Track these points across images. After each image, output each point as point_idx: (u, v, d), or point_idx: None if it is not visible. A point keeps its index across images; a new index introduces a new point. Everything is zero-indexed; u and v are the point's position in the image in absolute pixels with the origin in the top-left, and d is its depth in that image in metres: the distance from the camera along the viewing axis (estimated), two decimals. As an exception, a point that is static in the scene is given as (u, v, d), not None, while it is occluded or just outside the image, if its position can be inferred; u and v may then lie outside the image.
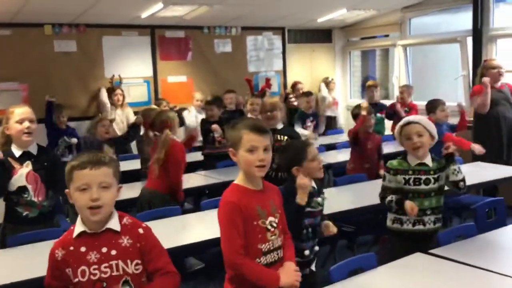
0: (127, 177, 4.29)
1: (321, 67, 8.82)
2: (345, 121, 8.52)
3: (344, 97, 9.06)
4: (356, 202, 3.85)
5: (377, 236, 4.38)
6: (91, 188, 1.93)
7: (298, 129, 5.95)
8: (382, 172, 4.41)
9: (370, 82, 7.20)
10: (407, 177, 3.03)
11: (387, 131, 6.60)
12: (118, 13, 6.46)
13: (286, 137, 4.19)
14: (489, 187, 5.04)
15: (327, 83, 8.36)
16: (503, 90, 5.47)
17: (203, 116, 6.12)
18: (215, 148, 5.49)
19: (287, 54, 8.49)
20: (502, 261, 2.69)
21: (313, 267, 2.80)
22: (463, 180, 3.07)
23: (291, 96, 7.47)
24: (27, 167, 3.25)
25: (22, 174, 3.24)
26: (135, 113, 6.33)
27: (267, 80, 7.02)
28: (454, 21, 7.92)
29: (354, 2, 7.11)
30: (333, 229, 2.76)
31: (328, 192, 4.16)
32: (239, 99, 6.46)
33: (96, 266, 1.95)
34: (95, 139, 4.93)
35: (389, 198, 3.05)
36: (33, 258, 2.84)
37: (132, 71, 7.15)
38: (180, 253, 3.22)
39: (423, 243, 2.91)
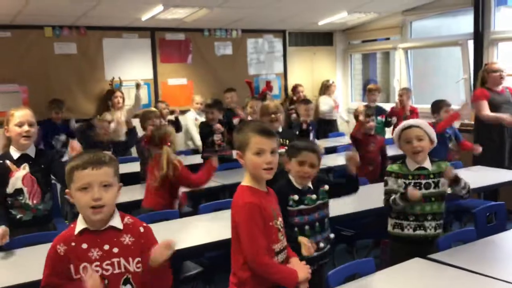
0: (126, 179, 4.26)
1: (322, 70, 8.80)
2: (347, 124, 8.50)
3: (345, 100, 9.04)
4: (355, 205, 3.81)
5: (377, 240, 4.35)
6: (92, 188, 1.93)
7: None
8: None
9: (371, 86, 7.20)
10: (407, 181, 3.03)
11: (388, 135, 6.57)
12: (118, 16, 6.45)
13: (287, 141, 4.19)
14: (490, 191, 5.01)
15: (328, 86, 8.33)
16: (504, 94, 5.45)
17: (203, 118, 6.10)
18: (214, 151, 5.46)
19: (288, 57, 8.48)
20: (502, 266, 2.66)
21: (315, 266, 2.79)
22: (469, 191, 3.08)
23: (292, 107, 7.44)
24: (24, 170, 3.25)
25: (18, 177, 3.23)
26: (135, 116, 6.31)
27: (268, 83, 7.01)
28: (455, 24, 7.91)
29: (355, 5, 7.09)
30: (310, 250, 2.62)
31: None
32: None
33: (98, 263, 1.96)
34: (94, 140, 4.91)
35: (392, 198, 3.03)
36: (28, 262, 2.82)
37: (132, 73, 7.13)
38: (177, 257, 3.19)
39: (423, 248, 2.89)
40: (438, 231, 3.05)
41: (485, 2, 6.57)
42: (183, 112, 7.06)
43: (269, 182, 2.42)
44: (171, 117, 6.57)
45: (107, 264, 1.97)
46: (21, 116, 3.25)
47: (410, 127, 3.09)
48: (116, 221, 2.03)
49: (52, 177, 3.45)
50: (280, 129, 4.43)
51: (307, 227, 2.81)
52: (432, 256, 2.72)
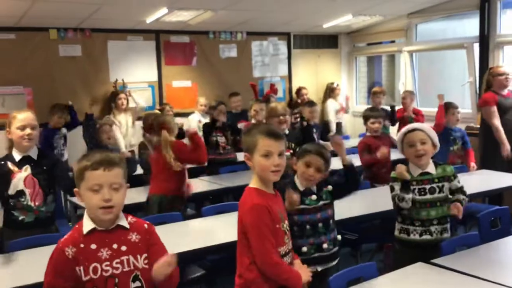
0: (131, 182, 4.27)
1: (327, 72, 8.78)
2: (351, 127, 8.49)
3: (350, 103, 9.00)
4: (359, 209, 3.80)
5: (381, 244, 4.33)
6: (103, 188, 1.96)
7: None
8: None
9: (376, 88, 7.18)
10: (412, 187, 3.00)
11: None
12: (123, 18, 6.46)
13: (293, 144, 4.20)
14: (495, 196, 4.97)
15: (332, 88, 8.32)
16: (510, 98, 5.41)
17: (207, 120, 6.10)
18: (219, 154, 5.46)
19: (293, 59, 8.46)
20: (505, 271, 2.63)
21: (321, 267, 2.79)
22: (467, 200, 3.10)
23: (296, 111, 7.43)
24: (25, 171, 3.25)
25: (20, 178, 3.24)
26: (139, 118, 6.32)
27: (272, 86, 7.00)
28: (460, 27, 7.88)
29: (359, 8, 7.08)
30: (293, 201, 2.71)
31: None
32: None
33: (108, 263, 1.98)
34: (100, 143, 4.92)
35: (394, 193, 3.01)
36: (31, 264, 2.82)
37: (137, 75, 7.15)
38: (180, 260, 3.18)
39: (429, 252, 2.86)
40: (445, 235, 3.03)
41: (491, 5, 6.55)
42: (187, 114, 7.06)
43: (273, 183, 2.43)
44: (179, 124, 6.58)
45: (116, 263, 1.99)
46: (23, 119, 3.26)
47: (413, 130, 3.07)
48: (123, 221, 2.06)
49: None
50: (287, 131, 4.45)
51: (308, 226, 2.81)
52: (435, 260, 2.70)
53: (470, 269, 2.57)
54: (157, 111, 6.20)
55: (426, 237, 2.99)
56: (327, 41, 8.79)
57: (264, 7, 6.50)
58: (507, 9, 6.84)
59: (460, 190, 3.10)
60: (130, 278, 2.02)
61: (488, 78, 5.50)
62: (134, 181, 4.52)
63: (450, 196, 3.08)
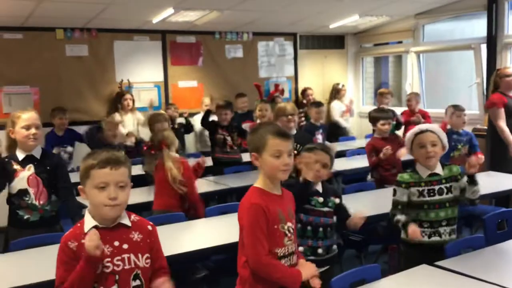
0: (134, 182, 4.27)
1: (333, 73, 8.76)
2: (358, 128, 8.46)
3: (356, 104, 8.97)
4: (365, 210, 3.76)
5: (386, 246, 4.31)
6: (109, 187, 1.98)
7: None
8: None
9: (383, 90, 7.16)
10: (420, 189, 2.99)
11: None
12: (129, 18, 6.47)
13: (299, 145, 4.18)
14: (502, 198, 4.93)
15: (338, 89, 8.30)
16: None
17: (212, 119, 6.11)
18: (226, 153, 5.46)
19: (299, 60, 8.44)
20: (510, 274, 2.61)
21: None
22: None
23: (300, 110, 7.42)
24: (29, 170, 3.26)
25: (23, 177, 3.24)
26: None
27: (277, 86, 6.98)
28: (468, 28, 7.83)
29: (366, 8, 7.05)
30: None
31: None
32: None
33: (109, 259, 2.00)
34: (103, 143, 4.90)
35: (397, 217, 3.00)
36: (36, 263, 2.83)
37: (143, 75, 7.15)
38: (183, 260, 3.19)
39: (438, 254, 2.84)
40: (453, 236, 3.02)
41: (498, 6, 6.51)
42: (193, 114, 7.07)
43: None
44: (181, 120, 6.59)
45: (117, 260, 2.01)
46: (28, 119, 3.26)
47: (424, 131, 3.04)
48: (125, 219, 2.08)
49: None
50: (294, 131, 4.45)
51: (309, 227, 2.83)
52: (439, 263, 2.68)
53: (474, 271, 2.55)
54: (162, 112, 6.20)
55: (435, 238, 2.97)
56: (333, 42, 8.77)
57: (270, 7, 6.49)
58: (515, 10, 6.79)
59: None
60: (131, 276, 2.04)
61: (495, 79, 5.46)
62: (136, 182, 4.55)
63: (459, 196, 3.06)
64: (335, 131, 7.67)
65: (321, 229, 2.83)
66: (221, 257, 3.54)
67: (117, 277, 2.00)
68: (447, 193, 3.01)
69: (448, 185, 3.01)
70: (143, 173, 4.93)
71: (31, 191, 3.26)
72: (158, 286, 2.09)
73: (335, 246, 2.92)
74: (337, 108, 8.08)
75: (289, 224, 2.35)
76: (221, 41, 7.73)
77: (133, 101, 6.67)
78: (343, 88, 8.32)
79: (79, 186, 2.05)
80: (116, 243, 2.03)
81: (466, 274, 2.54)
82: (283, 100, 7.12)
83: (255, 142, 2.32)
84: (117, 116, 6.33)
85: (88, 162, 2.02)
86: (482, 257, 2.80)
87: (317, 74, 8.63)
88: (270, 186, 2.34)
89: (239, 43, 7.88)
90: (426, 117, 6.54)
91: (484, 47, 6.73)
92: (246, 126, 5.77)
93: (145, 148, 4.26)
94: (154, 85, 7.29)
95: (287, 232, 2.33)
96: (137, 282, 2.05)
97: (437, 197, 2.98)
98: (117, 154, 2.06)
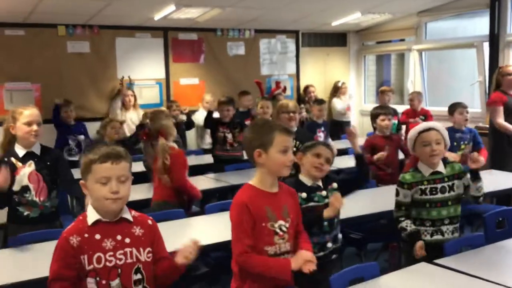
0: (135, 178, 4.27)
1: (335, 71, 8.75)
2: (360, 126, 8.44)
3: (358, 102, 8.98)
4: (364, 208, 3.77)
5: (386, 244, 4.30)
6: (110, 181, 2.00)
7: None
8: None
9: (384, 87, 7.16)
10: (423, 187, 2.98)
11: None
12: (131, 15, 6.47)
13: (298, 142, 4.18)
14: (503, 196, 4.91)
15: (337, 87, 8.29)
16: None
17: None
18: (226, 151, 5.46)
19: (301, 57, 8.44)
20: (509, 272, 2.61)
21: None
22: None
23: (302, 106, 7.43)
24: (29, 167, 3.26)
25: (24, 174, 3.24)
26: (146, 114, 6.32)
27: (278, 83, 6.98)
28: (470, 26, 7.81)
29: (368, 6, 7.04)
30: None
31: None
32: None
33: (111, 253, 2.02)
34: (104, 141, 4.90)
35: (403, 224, 2.99)
36: (35, 259, 2.84)
37: (144, 72, 7.16)
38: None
39: (438, 252, 2.82)
40: (456, 234, 3.01)
41: (501, 4, 6.49)
42: (194, 112, 7.06)
43: None
44: (182, 117, 6.59)
45: (120, 254, 2.03)
46: (30, 115, 3.26)
47: (428, 129, 3.03)
48: (127, 214, 2.11)
49: None
50: (295, 128, 4.46)
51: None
52: (438, 261, 2.68)
53: (473, 269, 2.55)
54: (164, 108, 6.20)
55: (438, 237, 2.96)
56: (336, 39, 8.76)
57: (272, 4, 6.49)
58: (518, 8, 6.76)
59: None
60: (132, 270, 2.06)
61: (497, 78, 5.45)
62: (136, 178, 4.54)
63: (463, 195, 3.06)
64: (337, 129, 7.66)
65: (326, 223, 2.82)
66: (220, 254, 3.53)
67: (119, 271, 2.02)
68: (449, 192, 2.99)
69: (450, 183, 3.00)
70: (143, 170, 4.95)
71: (32, 187, 3.26)
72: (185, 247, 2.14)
73: (340, 235, 2.92)
74: (337, 105, 8.07)
75: (281, 222, 2.33)
76: (223, 38, 7.73)
77: (135, 97, 6.67)
78: (343, 86, 8.31)
79: (81, 181, 2.07)
80: (119, 237, 2.05)
81: (464, 272, 2.53)
82: (285, 97, 7.11)
83: (261, 139, 2.31)
84: (119, 116, 6.33)
85: (89, 157, 2.04)
86: (482, 255, 2.79)
87: (319, 72, 8.62)
88: (267, 184, 2.34)
89: (241, 40, 7.87)
90: (428, 116, 6.52)
91: (486, 45, 6.71)
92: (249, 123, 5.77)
93: (142, 136, 4.25)
94: (156, 82, 7.30)
95: (277, 230, 2.32)
96: (138, 276, 2.07)
97: (439, 195, 2.97)
98: (117, 149, 2.07)
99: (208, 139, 6.47)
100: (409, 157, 4.85)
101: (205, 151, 6.40)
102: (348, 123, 8.04)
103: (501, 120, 5.24)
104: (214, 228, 3.46)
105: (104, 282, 2.00)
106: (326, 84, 8.57)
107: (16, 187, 3.22)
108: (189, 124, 6.78)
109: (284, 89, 7.61)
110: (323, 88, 8.47)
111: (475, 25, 7.57)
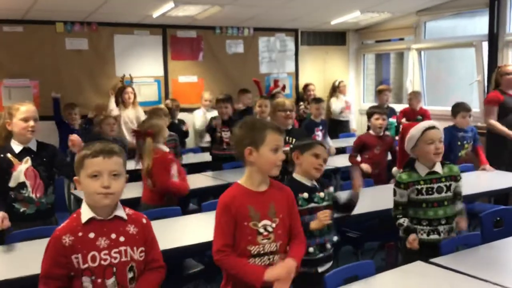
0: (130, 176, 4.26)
1: (335, 69, 8.73)
2: (358, 125, 8.44)
3: (357, 101, 8.97)
4: (362, 207, 3.74)
5: (383, 243, 4.30)
6: (102, 176, 2.00)
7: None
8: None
9: (381, 87, 7.15)
10: (419, 187, 2.98)
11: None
12: (130, 12, 6.46)
13: (294, 140, 4.18)
14: (501, 196, 4.92)
15: (334, 87, 8.27)
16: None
17: (211, 115, 6.10)
18: (222, 150, 5.45)
19: (300, 56, 8.42)
20: (503, 272, 2.59)
21: (321, 268, 2.77)
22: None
23: (301, 103, 7.44)
24: (26, 163, 3.25)
25: (21, 170, 3.24)
26: (145, 112, 6.32)
27: (276, 82, 6.97)
28: (470, 25, 7.81)
29: (368, 5, 7.03)
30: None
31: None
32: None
33: (106, 252, 2.02)
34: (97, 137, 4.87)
35: (400, 221, 3.00)
36: (31, 255, 2.82)
37: (143, 70, 7.15)
38: (179, 254, 3.19)
39: (435, 252, 2.83)
40: (452, 234, 3.01)
41: (500, 4, 6.47)
42: (193, 109, 7.06)
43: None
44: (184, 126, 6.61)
45: (115, 252, 2.03)
46: (26, 112, 3.26)
47: (433, 128, 3.02)
48: (121, 211, 2.10)
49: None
50: (290, 127, 4.46)
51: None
52: (434, 260, 2.68)
53: (468, 268, 2.54)
54: (162, 106, 6.19)
55: (434, 236, 2.96)
56: (335, 38, 8.74)
57: (272, 2, 6.48)
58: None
59: (459, 195, 3.08)
60: (127, 268, 2.06)
61: (496, 77, 5.45)
62: (130, 176, 4.52)
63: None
64: (336, 128, 7.67)
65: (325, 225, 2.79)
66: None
67: (114, 269, 2.02)
68: (446, 192, 2.99)
69: (448, 183, 3.00)
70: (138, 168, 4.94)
71: (29, 184, 3.26)
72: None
73: (335, 237, 2.91)
74: (335, 105, 8.06)
75: (265, 222, 2.28)
76: (222, 36, 7.71)
77: (135, 95, 6.66)
78: (341, 84, 8.29)
79: (75, 178, 2.07)
80: (113, 236, 2.04)
81: (459, 271, 2.53)
82: (284, 96, 7.11)
83: (253, 136, 2.28)
84: (114, 111, 6.31)
85: (82, 153, 2.04)
86: (477, 254, 2.79)
87: (318, 71, 8.60)
88: (255, 182, 2.31)
89: (240, 38, 7.86)
90: (426, 116, 6.52)
91: (485, 45, 6.70)
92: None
93: (132, 134, 4.20)
94: (154, 79, 7.29)
95: (261, 230, 2.26)
96: (131, 274, 2.07)
97: (436, 195, 2.97)
98: (111, 145, 2.08)
99: (206, 138, 6.46)
100: (397, 159, 4.89)
101: (203, 150, 6.39)
102: (347, 122, 8.05)
103: (492, 120, 5.26)
104: (210, 226, 3.41)
105: (99, 280, 2.00)
106: (325, 83, 8.55)
107: (12, 184, 3.22)
108: (186, 134, 6.77)
109: (284, 88, 7.60)
110: (322, 86, 8.45)
111: (474, 25, 7.56)
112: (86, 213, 2.04)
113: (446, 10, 7.27)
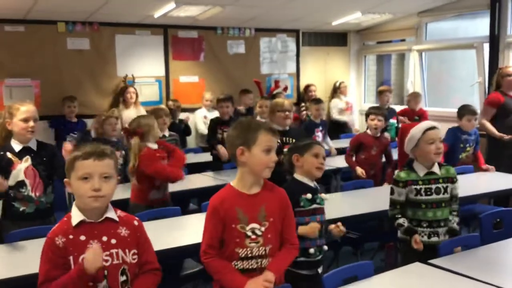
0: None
1: (336, 70, 8.73)
2: (360, 126, 8.43)
3: (358, 102, 8.96)
4: (361, 207, 3.77)
5: (383, 243, 4.30)
6: (93, 178, 1.98)
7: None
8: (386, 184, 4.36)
9: (382, 87, 7.15)
10: (418, 187, 2.99)
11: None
12: (131, 12, 6.46)
13: (294, 140, 4.19)
14: (502, 197, 4.91)
15: (335, 88, 8.27)
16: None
17: (212, 115, 6.10)
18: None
19: (301, 56, 8.42)
20: (502, 273, 2.60)
21: (320, 269, 2.77)
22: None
23: (302, 105, 7.43)
24: (26, 162, 3.26)
25: (20, 169, 3.25)
26: (147, 112, 6.31)
27: (276, 82, 6.96)
28: (471, 26, 7.79)
29: (369, 6, 7.03)
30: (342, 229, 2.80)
31: (334, 196, 4.13)
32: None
33: None
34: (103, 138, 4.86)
35: (400, 221, 3.01)
36: (30, 254, 2.83)
37: (144, 70, 7.15)
38: (178, 254, 3.19)
39: (435, 254, 2.82)
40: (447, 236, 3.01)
41: (501, 5, 6.47)
42: (194, 109, 7.06)
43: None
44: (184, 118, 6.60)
45: (106, 255, 2.01)
46: (27, 112, 3.27)
47: (434, 128, 3.03)
48: (112, 213, 2.08)
49: None
50: (288, 128, 4.46)
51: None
52: (432, 261, 2.68)
53: (466, 270, 2.54)
54: (163, 106, 6.19)
55: (434, 239, 2.97)
56: (336, 39, 8.74)
57: (273, 3, 6.48)
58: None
59: (456, 197, 3.08)
60: (119, 271, 2.03)
61: (497, 79, 5.47)
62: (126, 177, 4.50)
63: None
64: (336, 129, 7.67)
65: (323, 226, 2.81)
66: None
67: (106, 272, 2.00)
68: (443, 193, 3.00)
69: (445, 185, 3.01)
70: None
71: (28, 182, 3.27)
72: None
73: (325, 247, 2.89)
74: (335, 105, 8.06)
75: (254, 225, 2.25)
76: (223, 37, 7.71)
77: (137, 95, 6.67)
78: (342, 85, 8.29)
79: (65, 180, 2.05)
80: (105, 238, 2.02)
81: (458, 273, 2.53)
82: (286, 97, 7.11)
83: (245, 136, 2.25)
84: (115, 112, 6.30)
85: (73, 154, 2.02)
86: (476, 256, 2.79)
87: (319, 71, 8.60)
88: (246, 184, 2.28)
89: (241, 39, 7.85)
90: (424, 117, 6.52)
91: (486, 46, 6.69)
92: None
93: (123, 133, 4.19)
94: (155, 79, 7.29)
95: (249, 233, 2.24)
96: (124, 278, 2.05)
97: (434, 196, 2.98)
98: (102, 147, 2.06)
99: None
100: (391, 162, 4.90)
101: (204, 149, 6.40)
102: (348, 123, 8.04)
103: (485, 120, 5.30)
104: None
105: (91, 284, 1.97)
106: (326, 84, 8.55)
107: (11, 182, 3.22)
108: (187, 131, 6.77)
109: (286, 89, 7.60)
110: (323, 87, 8.45)
111: (475, 26, 7.55)
112: (76, 216, 2.02)
113: (447, 12, 7.26)
